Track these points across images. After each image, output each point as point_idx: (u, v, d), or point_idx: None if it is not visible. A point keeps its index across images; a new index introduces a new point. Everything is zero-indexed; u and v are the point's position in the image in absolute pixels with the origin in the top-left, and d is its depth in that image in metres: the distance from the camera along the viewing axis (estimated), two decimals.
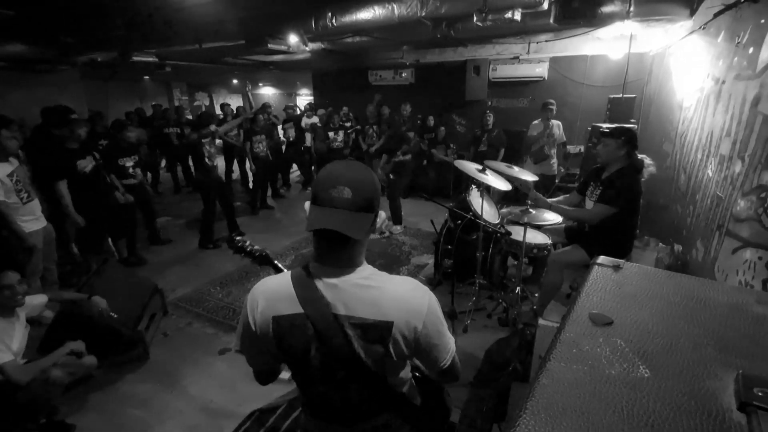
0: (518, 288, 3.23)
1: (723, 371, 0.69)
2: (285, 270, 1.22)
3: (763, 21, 2.14)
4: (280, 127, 7.28)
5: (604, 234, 2.64)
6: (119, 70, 8.03)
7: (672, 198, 3.57)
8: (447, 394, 1.31)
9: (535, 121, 5.30)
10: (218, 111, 8.68)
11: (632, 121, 4.63)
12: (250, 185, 6.54)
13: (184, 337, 3.16)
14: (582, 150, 5.43)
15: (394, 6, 3.69)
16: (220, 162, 5.13)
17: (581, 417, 0.60)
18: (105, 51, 5.69)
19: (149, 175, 7.17)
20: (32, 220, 3.09)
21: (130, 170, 4.36)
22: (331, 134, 7.01)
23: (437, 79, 7.43)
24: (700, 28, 3.17)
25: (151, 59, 6.21)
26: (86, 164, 3.74)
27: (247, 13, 4.47)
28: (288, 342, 0.96)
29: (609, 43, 5.10)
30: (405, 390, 1.10)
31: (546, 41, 5.60)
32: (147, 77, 11.38)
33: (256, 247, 1.63)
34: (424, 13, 3.62)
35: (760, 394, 0.58)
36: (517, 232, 3.04)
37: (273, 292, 0.99)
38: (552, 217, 3.16)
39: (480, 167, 2.98)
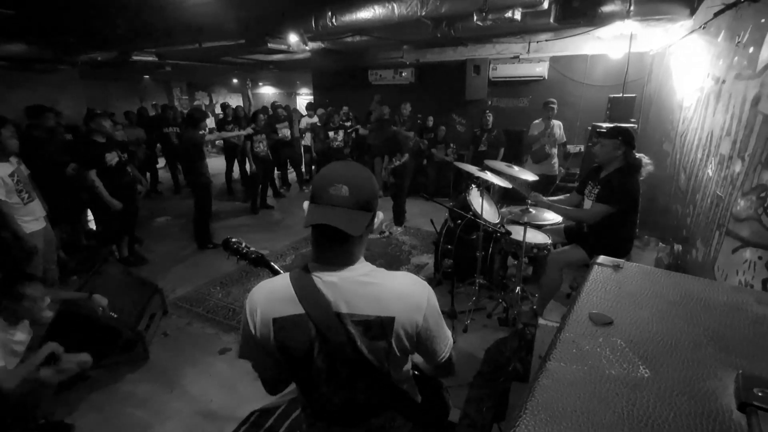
0: (518, 288, 3.23)
1: (723, 371, 0.69)
2: (281, 271, 1.21)
3: (763, 20, 2.14)
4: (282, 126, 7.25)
5: (604, 233, 2.64)
6: (119, 70, 8.03)
7: (672, 198, 3.57)
8: (446, 391, 1.32)
9: (536, 121, 5.29)
10: (218, 111, 8.66)
11: (632, 120, 4.63)
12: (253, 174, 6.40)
13: (184, 337, 3.16)
14: (582, 149, 5.43)
15: (394, 5, 3.69)
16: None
17: (581, 417, 0.60)
18: (105, 50, 5.69)
19: (148, 175, 7.16)
20: (32, 221, 3.08)
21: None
22: (331, 134, 7.00)
23: (437, 79, 7.43)
24: (701, 27, 3.16)
25: (151, 58, 6.21)
26: (111, 158, 3.88)
27: (248, 13, 4.47)
28: (290, 343, 0.96)
29: (609, 43, 5.10)
30: (406, 387, 1.10)
31: (546, 41, 5.60)
32: (147, 77, 11.38)
33: (251, 248, 1.59)
34: (424, 13, 3.62)
35: (760, 394, 0.58)
36: (517, 232, 3.04)
37: (272, 294, 0.98)
38: (552, 217, 3.16)
39: (480, 170, 2.97)
